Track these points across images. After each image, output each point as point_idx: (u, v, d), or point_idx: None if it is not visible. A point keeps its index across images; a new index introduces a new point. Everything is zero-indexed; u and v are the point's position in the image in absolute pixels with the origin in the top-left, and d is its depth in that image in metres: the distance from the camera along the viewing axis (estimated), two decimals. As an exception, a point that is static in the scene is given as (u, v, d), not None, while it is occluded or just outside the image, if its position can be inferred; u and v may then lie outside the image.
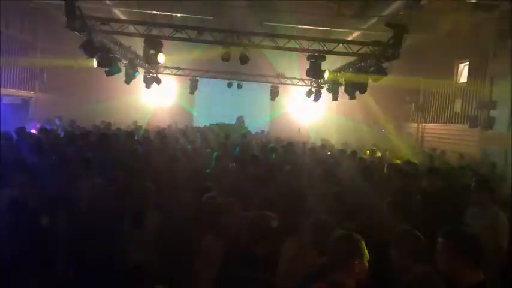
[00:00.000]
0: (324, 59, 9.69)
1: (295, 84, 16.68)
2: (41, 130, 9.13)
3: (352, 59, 10.87)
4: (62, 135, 9.79)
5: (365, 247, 2.70)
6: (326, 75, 10.96)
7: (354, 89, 10.89)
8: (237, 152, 8.99)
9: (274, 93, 16.70)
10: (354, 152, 9.72)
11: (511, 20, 10.18)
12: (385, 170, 7.57)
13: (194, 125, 17.24)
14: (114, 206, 4.10)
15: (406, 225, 3.53)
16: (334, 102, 13.87)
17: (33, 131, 9.43)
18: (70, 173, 4.71)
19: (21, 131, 7.92)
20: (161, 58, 9.48)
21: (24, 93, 14.58)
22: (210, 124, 15.32)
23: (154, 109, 18.56)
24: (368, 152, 11.46)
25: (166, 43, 9.68)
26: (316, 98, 14.58)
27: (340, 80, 12.46)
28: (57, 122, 12.65)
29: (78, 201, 4.08)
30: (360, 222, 3.85)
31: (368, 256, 2.69)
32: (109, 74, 10.74)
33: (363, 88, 10.20)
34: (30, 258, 3.59)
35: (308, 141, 12.98)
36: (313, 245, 3.17)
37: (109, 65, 10.05)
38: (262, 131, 16.57)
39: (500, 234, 4.35)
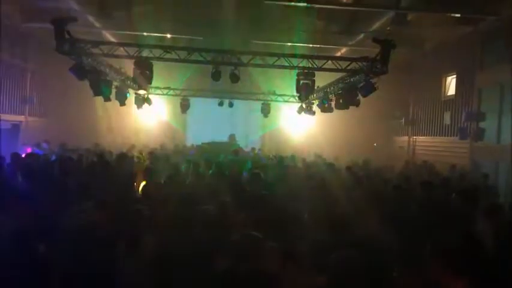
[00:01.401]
0: (313, 76, 9.79)
1: (286, 101, 16.79)
2: (28, 155, 8.97)
3: (341, 75, 10.99)
4: (52, 158, 9.66)
5: (363, 265, 2.68)
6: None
7: (346, 104, 10.98)
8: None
9: (265, 110, 16.78)
10: (348, 167, 9.71)
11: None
12: (379, 183, 7.58)
13: (187, 144, 17.15)
14: (107, 231, 4.03)
15: (400, 237, 3.53)
16: (326, 116, 13.95)
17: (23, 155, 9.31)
18: (61, 198, 4.64)
19: (16, 156, 7.87)
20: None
21: (14, 118, 14.46)
22: (202, 143, 15.27)
23: (146, 129, 18.50)
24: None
25: (156, 64, 9.72)
26: (310, 112, 14.75)
27: (330, 95, 12.58)
28: (44, 145, 12.52)
29: (68, 227, 4.01)
30: (356, 237, 3.83)
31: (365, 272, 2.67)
32: (106, 98, 10.83)
33: (355, 103, 10.31)
34: (21, 284, 3.50)
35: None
36: (311, 265, 3.15)
37: (100, 87, 10.06)
38: (253, 149, 16.50)
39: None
